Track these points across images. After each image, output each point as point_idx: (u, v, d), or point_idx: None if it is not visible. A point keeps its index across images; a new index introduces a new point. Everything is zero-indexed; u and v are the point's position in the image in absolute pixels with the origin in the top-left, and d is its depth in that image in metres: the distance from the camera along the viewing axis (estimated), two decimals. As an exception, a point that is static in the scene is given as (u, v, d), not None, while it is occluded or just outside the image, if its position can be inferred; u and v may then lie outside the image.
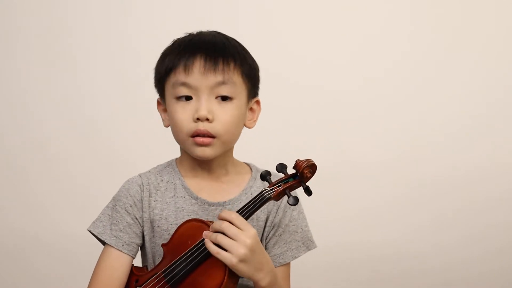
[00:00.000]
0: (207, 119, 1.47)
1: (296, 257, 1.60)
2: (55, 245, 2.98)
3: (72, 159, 3.10)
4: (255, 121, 1.60)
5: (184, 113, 1.48)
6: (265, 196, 1.40)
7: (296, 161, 1.42)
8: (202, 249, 1.39)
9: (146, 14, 3.12)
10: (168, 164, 1.62)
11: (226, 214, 1.38)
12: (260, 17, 3.14)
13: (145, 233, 1.55)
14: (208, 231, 1.39)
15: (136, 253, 1.56)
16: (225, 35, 1.56)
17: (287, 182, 1.41)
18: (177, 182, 1.57)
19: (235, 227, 1.36)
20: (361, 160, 3.09)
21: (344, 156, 3.06)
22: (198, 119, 1.47)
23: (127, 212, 1.54)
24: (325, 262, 2.79)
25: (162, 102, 1.58)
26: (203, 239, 1.39)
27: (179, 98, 1.49)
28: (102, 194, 2.97)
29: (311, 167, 1.41)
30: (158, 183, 1.57)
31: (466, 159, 3.13)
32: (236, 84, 1.49)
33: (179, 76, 1.48)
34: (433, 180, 3.11)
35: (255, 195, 1.43)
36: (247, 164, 1.64)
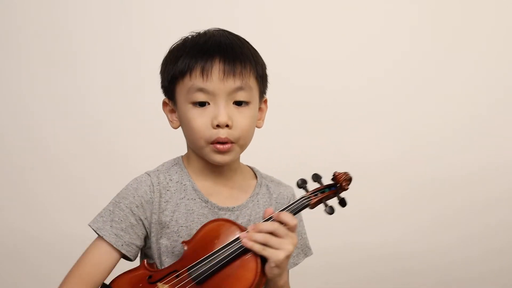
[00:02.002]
0: (227, 126, 1.46)
1: (296, 264, 1.64)
2: (55, 245, 2.98)
3: (72, 159, 3.10)
4: (263, 120, 1.60)
5: (202, 119, 1.46)
6: (304, 203, 1.44)
7: (334, 173, 1.48)
8: (235, 249, 1.40)
9: (146, 14, 3.12)
10: (175, 162, 1.59)
11: (286, 216, 1.40)
12: (260, 17, 3.14)
13: (152, 234, 1.52)
14: (249, 232, 1.39)
15: (136, 255, 1.53)
16: (235, 34, 1.55)
17: (324, 192, 1.46)
18: (187, 183, 1.54)
19: (284, 228, 1.39)
20: (361, 160, 3.09)
21: (344, 156, 3.05)
22: (217, 125, 1.45)
23: (132, 212, 1.50)
24: (325, 262, 2.79)
25: (171, 104, 1.55)
26: (236, 240, 1.40)
27: (195, 103, 1.47)
28: (102, 194, 2.97)
29: (349, 180, 1.48)
30: (168, 183, 1.54)
31: (466, 159, 3.13)
32: (252, 88, 1.50)
33: (195, 81, 1.45)
34: (433, 180, 3.11)
35: (292, 201, 1.45)
36: (251, 168, 1.64)
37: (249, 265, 1.39)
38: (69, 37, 3.10)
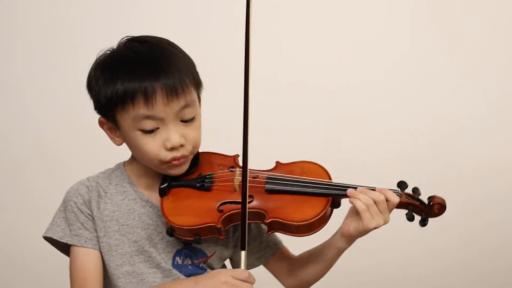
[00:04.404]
0: (181, 145, 1.48)
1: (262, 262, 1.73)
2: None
3: (73, 160, 3.10)
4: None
5: (153, 144, 1.48)
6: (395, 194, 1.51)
7: (434, 195, 1.56)
8: (323, 187, 1.49)
9: (147, 14, 3.12)
10: (117, 168, 1.63)
11: (391, 193, 1.50)
12: (260, 16, 3.12)
13: (97, 230, 1.55)
14: (360, 192, 1.48)
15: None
16: (162, 43, 1.53)
17: (415, 200, 1.53)
18: (127, 185, 1.58)
19: (385, 204, 1.48)
20: (361, 160, 3.09)
21: (343, 156, 3.06)
22: (172, 148, 1.47)
23: (80, 210, 1.55)
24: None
25: (110, 123, 1.54)
26: (323, 182, 1.50)
27: (144, 130, 1.47)
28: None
29: (442, 208, 1.54)
30: (107, 186, 1.59)
31: (466, 159, 3.14)
32: (195, 101, 1.51)
33: (139, 110, 1.45)
34: (433, 180, 3.10)
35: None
36: None
37: (316, 207, 1.46)
38: (70, 37, 3.11)
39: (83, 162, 3.10)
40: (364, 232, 1.50)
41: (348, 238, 1.53)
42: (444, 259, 3.05)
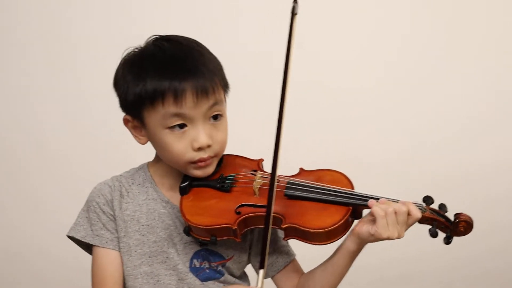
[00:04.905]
0: (208, 146, 1.48)
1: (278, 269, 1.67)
2: (56, 245, 2.96)
3: (74, 160, 3.11)
4: None
5: (181, 143, 1.47)
6: (419, 209, 1.48)
7: (461, 212, 1.51)
8: (344, 195, 1.47)
9: (148, 13, 3.11)
10: (140, 167, 1.64)
11: (413, 207, 1.46)
12: (260, 15, 3.12)
13: (118, 230, 1.56)
14: (380, 202, 1.45)
15: None
16: (185, 40, 1.53)
17: (440, 217, 1.49)
18: (149, 185, 1.58)
19: (405, 217, 1.45)
20: (360, 159, 3.08)
21: (343, 155, 3.05)
22: (199, 148, 1.47)
23: (102, 211, 1.56)
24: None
25: (135, 122, 1.54)
26: (345, 191, 1.48)
27: (172, 127, 1.47)
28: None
29: (468, 226, 1.50)
30: (130, 186, 1.59)
31: (467, 158, 3.14)
32: (222, 100, 1.51)
33: (169, 108, 1.45)
34: (433, 179, 3.11)
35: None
36: None
37: (335, 215, 1.44)
38: (71, 37, 3.11)
39: (83, 162, 3.10)
40: (374, 238, 1.45)
41: (357, 238, 1.49)
42: (445, 258, 3.04)
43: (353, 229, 1.49)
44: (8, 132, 3.11)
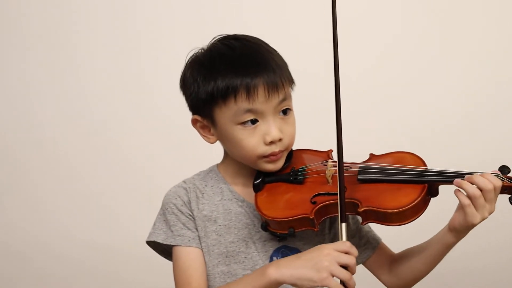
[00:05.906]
0: (279, 139, 1.51)
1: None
2: (57, 245, 2.97)
3: (75, 161, 3.11)
4: None
5: (253, 138, 1.50)
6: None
7: None
8: (418, 173, 1.47)
9: (149, 13, 3.11)
10: (210, 170, 1.65)
11: (495, 181, 1.43)
12: (259, 14, 3.12)
13: (198, 228, 1.57)
14: (465, 181, 1.43)
15: None
16: (252, 40, 1.57)
17: None
18: (223, 186, 1.61)
19: (493, 193, 1.43)
20: (359, 159, 3.08)
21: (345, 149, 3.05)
22: (271, 142, 1.50)
23: (180, 211, 1.57)
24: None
25: (205, 122, 1.56)
26: (423, 168, 1.48)
27: (244, 123, 1.49)
28: (105, 194, 2.98)
29: None
30: (204, 188, 1.60)
31: (467, 157, 3.13)
32: (290, 94, 1.55)
33: (241, 104, 1.47)
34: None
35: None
36: None
37: (411, 194, 1.44)
38: (72, 37, 3.11)
39: (83, 162, 3.10)
40: (468, 227, 1.46)
41: (454, 233, 1.49)
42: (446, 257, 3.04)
43: (449, 225, 1.50)
44: (8, 132, 3.11)
